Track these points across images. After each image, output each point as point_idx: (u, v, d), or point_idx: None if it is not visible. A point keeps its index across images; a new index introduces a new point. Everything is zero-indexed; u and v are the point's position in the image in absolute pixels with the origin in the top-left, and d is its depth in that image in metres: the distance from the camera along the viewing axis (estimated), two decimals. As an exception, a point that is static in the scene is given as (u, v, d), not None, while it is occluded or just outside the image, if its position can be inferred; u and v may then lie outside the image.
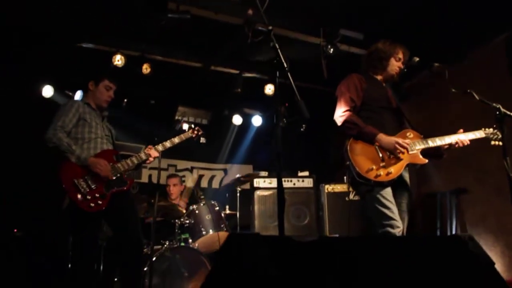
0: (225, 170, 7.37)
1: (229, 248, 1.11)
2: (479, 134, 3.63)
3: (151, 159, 4.05)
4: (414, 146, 3.44)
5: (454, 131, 5.44)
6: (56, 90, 5.89)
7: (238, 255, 1.04)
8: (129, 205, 3.77)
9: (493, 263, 1.42)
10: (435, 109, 5.94)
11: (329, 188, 5.68)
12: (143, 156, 3.94)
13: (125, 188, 3.72)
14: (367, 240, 1.38)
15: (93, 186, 3.53)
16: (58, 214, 3.65)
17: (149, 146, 4.09)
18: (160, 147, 4.10)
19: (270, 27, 2.53)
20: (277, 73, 2.41)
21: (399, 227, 3.25)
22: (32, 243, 5.12)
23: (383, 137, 3.37)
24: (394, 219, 3.25)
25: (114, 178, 3.66)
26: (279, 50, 2.42)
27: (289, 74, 2.36)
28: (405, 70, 3.81)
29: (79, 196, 3.45)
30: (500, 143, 3.52)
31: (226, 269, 1.07)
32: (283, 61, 2.38)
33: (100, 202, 3.52)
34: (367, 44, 4.02)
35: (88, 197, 3.47)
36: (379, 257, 1.26)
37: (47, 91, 5.82)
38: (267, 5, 2.72)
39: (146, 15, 4.71)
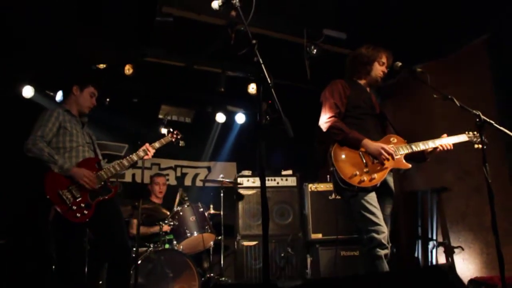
0: (209, 168, 7.37)
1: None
2: (462, 137, 3.71)
3: (148, 156, 4.05)
4: (398, 151, 3.49)
5: (435, 128, 5.58)
6: (36, 90, 5.78)
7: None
8: (114, 212, 3.75)
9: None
10: (417, 106, 6.01)
11: (312, 187, 5.72)
12: (125, 162, 3.91)
13: (109, 196, 3.70)
14: (350, 281, 1.41)
15: (78, 196, 3.50)
16: (43, 223, 3.62)
17: (146, 144, 4.11)
18: (141, 153, 4.07)
19: (254, 41, 2.51)
20: (261, 88, 2.42)
21: (384, 232, 3.30)
22: (14, 251, 5.07)
23: (369, 143, 3.41)
24: (379, 225, 3.30)
25: (98, 186, 3.65)
26: (263, 65, 2.41)
27: (273, 90, 2.36)
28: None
29: (64, 207, 3.43)
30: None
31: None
32: (267, 77, 2.38)
33: (86, 212, 3.50)
34: (350, 43, 4.03)
35: (74, 207, 3.45)
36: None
37: (28, 91, 5.72)
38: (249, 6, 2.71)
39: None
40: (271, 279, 4.71)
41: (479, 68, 5.31)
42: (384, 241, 3.27)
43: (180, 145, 4.62)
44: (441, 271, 1.43)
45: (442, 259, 5.49)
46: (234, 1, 2.70)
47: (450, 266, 4.66)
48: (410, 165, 3.50)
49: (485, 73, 5.25)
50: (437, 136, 3.71)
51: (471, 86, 5.27)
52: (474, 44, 5.41)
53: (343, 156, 3.42)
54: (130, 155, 4.00)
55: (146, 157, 4.05)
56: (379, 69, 3.76)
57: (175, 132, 4.58)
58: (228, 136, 7.42)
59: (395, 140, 3.56)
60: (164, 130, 4.58)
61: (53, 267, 4.39)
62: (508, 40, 4.99)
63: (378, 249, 3.25)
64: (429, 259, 5.48)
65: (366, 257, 3.34)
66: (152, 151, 4.09)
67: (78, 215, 3.46)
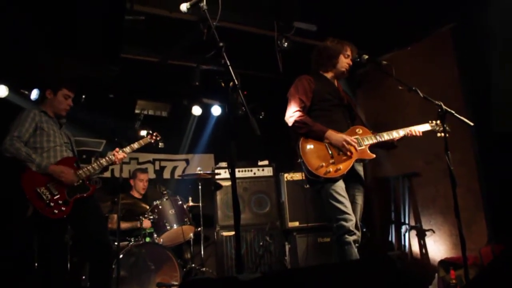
0: (187, 161, 7.45)
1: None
2: (425, 127, 3.87)
3: (118, 161, 4.12)
4: (363, 142, 3.63)
5: (405, 115, 5.73)
6: (11, 89, 5.77)
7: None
8: (93, 209, 3.84)
9: (419, 279, 1.58)
10: (386, 94, 6.15)
11: (288, 176, 5.87)
12: (103, 162, 4.00)
13: (87, 194, 3.78)
14: (301, 272, 1.53)
15: (55, 193, 3.59)
16: (21, 220, 3.68)
17: (116, 149, 4.17)
18: (120, 155, 4.14)
19: (221, 44, 2.61)
20: (229, 89, 2.52)
21: (352, 220, 3.46)
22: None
23: (332, 134, 3.55)
24: (347, 213, 3.46)
25: (76, 184, 3.73)
26: (230, 67, 2.51)
27: (240, 91, 2.47)
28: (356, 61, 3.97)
29: (41, 204, 3.51)
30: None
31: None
32: (234, 78, 2.48)
33: (63, 208, 3.59)
34: (320, 35, 4.12)
35: (52, 204, 3.54)
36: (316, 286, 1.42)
37: (2, 91, 5.70)
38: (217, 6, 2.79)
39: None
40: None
41: (446, 56, 5.47)
42: (352, 228, 3.44)
43: (159, 146, 4.71)
44: (389, 260, 1.56)
45: (414, 242, 5.70)
46: (202, 4, 2.77)
47: (398, 255, 4.85)
48: (374, 155, 3.65)
49: (452, 61, 5.41)
50: (406, 123, 3.87)
51: (438, 73, 5.44)
52: (440, 33, 5.56)
53: (310, 148, 3.57)
54: (106, 156, 4.07)
55: (117, 161, 4.11)
56: (344, 62, 3.89)
57: (154, 134, 4.67)
58: (205, 128, 7.49)
59: (361, 131, 3.71)
60: (143, 132, 4.65)
61: (35, 263, 4.45)
62: (474, 28, 5.14)
63: (346, 236, 3.43)
64: (402, 243, 5.69)
65: (336, 243, 3.51)
66: (121, 155, 4.15)
67: (56, 211, 3.55)
